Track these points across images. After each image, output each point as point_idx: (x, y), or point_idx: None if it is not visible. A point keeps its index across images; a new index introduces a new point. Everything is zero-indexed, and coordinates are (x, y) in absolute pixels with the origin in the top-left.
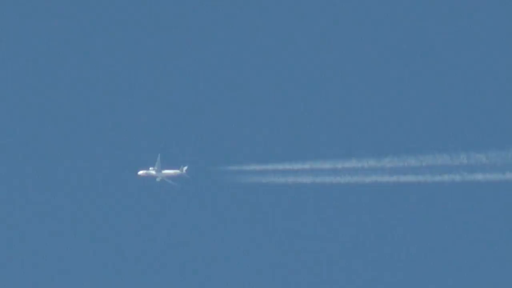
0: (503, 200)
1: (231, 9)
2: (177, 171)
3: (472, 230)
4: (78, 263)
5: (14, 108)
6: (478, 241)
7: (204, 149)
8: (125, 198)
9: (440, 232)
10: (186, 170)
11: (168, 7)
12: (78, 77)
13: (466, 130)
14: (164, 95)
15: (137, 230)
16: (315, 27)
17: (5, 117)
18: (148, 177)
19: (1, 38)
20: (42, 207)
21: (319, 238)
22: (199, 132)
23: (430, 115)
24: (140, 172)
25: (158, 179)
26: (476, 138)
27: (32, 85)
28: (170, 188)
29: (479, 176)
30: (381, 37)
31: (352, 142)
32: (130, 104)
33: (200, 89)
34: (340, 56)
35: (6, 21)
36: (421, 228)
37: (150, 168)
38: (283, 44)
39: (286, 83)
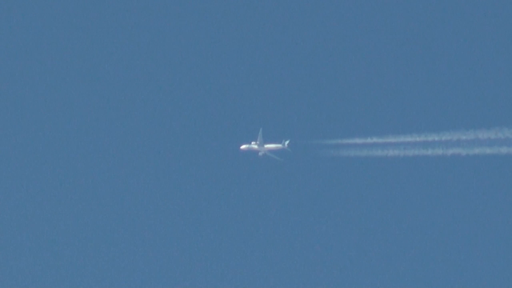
0: None
1: None
2: (279, 145)
3: None
4: (180, 230)
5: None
6: None
7: (304, 123)
8: (228, 172)
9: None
10: (288, 144)
11: None
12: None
13: None
14: (265, 71)
15: (239, 203)
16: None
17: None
18: (251, 151)
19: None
20: (139, 175)
21: (418, 211)
22: (300, 106)
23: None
24: (243, 147)
25: (260, 153)
26: None
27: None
28: (273, 162)
29: None
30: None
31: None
32: (232, 79)
33: (297, 64)
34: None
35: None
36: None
37: (252, 143)
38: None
39: (380, 58)
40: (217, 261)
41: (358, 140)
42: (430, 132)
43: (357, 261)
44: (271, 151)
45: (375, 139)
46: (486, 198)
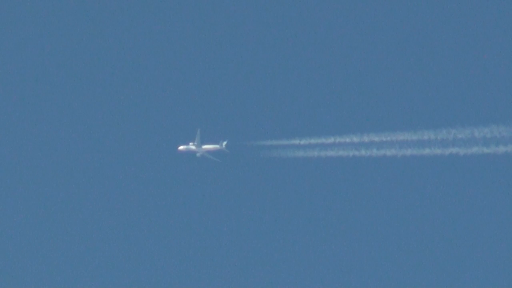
0: None
1: None
2: (216, 146)
3: None
4: (117, 235)
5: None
6: None
7: (242, 124)
8: (166, 173)
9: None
10: (225, 145)
11: None
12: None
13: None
14: (202, 72)
15: (177, 204)
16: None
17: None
18: (188, 152)
19: None
20: (81, 183)
21: (358, 210)
22: (238, 107)
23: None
24: (180, 147)
25: (198, 154)
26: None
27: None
28: (210, 163)
29: None
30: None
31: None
32: (170, 80)
33: (233, 65)
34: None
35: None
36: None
37: (190, 143)
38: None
39: (318, 59)
40: (154, 260)
41: (294, 141)
42: (368, 132)
43: (293, 261)
44: (209, 151)
45: (311, 140)
46: (435, 199)
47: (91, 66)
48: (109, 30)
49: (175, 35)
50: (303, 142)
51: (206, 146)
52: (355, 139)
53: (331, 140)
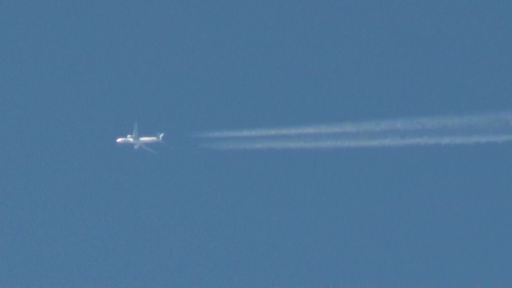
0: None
1: None
2: (153, 138)
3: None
4: (58, 230)
5: None
6: None
7: (180, 116)
8: (104, 165)
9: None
10: (162, 137)
11: None
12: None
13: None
14: (138, 67)
15: (118, 195)
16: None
17: None
18: (127, 144)
19: None
20: (22, 180)
21: (300, 203)
22: (176, 99)
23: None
24: (119, 140)
25: (136, 146)
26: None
27: None
28: (147, 155)
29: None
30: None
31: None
32: (106, 74)
33: (169, 57)
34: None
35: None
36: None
37: (128, 136)
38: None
39: (259, 47)
40: (91, 259)
41: (232, 133)
42: (312, 124)
43: (232, 258)
44: (147, 144)
45: (248, 132)
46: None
47: (28, 59)
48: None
49: (112, 29)
50: (246, 133)
51: (144, 139)
52: (297, 131)
53: (272, 132)
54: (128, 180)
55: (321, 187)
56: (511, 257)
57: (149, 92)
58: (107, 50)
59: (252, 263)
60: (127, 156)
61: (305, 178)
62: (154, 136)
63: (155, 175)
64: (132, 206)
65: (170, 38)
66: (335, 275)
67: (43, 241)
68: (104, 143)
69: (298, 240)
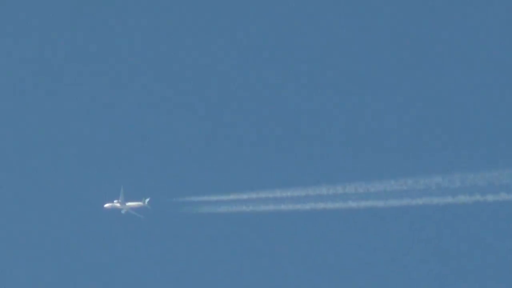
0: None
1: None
2: (140, 203)
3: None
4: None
5: None
6: None
7: (164, 181)
8: (94, 230)
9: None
10: (148, 202)
11: None
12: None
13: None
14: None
15: (108, 258)
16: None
17: None
18: (114, 209)
19: None
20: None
21: (285, 264)
22: (160, 165)
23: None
24: (106, 205)
25: (123, 211)
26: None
27: None
28: (134, 219)
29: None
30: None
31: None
32: (91, 140)
33: (151, 119)
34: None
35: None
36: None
37: (115, 201)
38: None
39: (242, 110)
40: None
41: (219, 197)
42: (295, 186)
43: None
44: (133, 208)
45: (233, 196)
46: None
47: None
48: None
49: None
50: (226, 197)
51: (130, 203)
52: (279, 194)
53: (255, 195)
54: (116, 243)
55: (307, 249)
56: None
57: (134, 158)
58: (97, 111)
59: None
60: (115, 221)
61: (290, 240)
62: (140, 201)
63: (142, 239)
64: (121, 268)
65: (150, 101)
66: None
67: None
68: (93, 209)
69: None
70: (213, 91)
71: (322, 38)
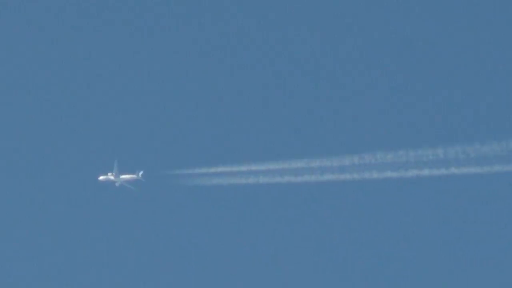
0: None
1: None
2: (133, 176)
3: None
4: (42, 266)
5: None
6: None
7: (158, 153)
8: (88, 202)
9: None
10: (141, 175)
11: None
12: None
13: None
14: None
15: (101, 231)
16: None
17: None
18: (108, 182)
19: None
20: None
21: (279, 239)
22: (154, 136)
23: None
24: (101, 178)
25: (117, 184)
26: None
27: None
28: (128, 192)
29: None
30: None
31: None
32: (88, 113)
33: (147, 94)
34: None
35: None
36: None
37: (109, 174)
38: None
39: (237, 81)
40: None
41: (213, 169)
42: (294, 158)
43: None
44: (127, 181)
45: (227, 168)
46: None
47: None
48: None
49: (94, 65)
50: (224, 169)
51: (124, 176)
52: (273, 166)
53: (252, 167)
54: (110, 215)
55: (306, 221)
56: None
57: (129, 130)
58: (91, 87)
59: None
60: (109, 193)
61: (282, 213)
62: (134, 174)
63: (136, 211)
64: (116, 242)
65: (152, 74)
66: None
67: (24, 279)
68: (87, 181)
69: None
70: (208, 61)
71: None
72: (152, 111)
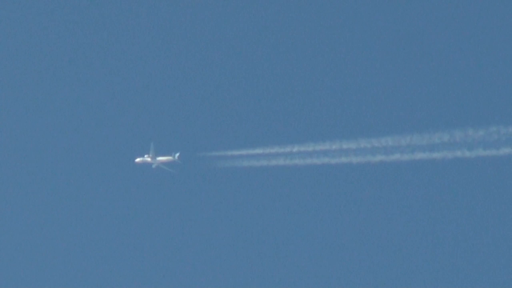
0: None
1: None
2: (170, 158)
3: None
4: (77, 249)
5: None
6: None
7: (195, 135)
8: (125, 183)
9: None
10: (178, 157)
11: None
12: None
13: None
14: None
15: (138, 213)
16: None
17: None
18: (145, 164)
19: None
20: (37, 198)
21: (311, 221)
22: (191, 118)
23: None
24: (137, 160)
25: (153, 166)
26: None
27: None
28: (165, 173)
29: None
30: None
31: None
32: (123, 96)
33: (183, 78)
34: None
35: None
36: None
37: (145, 156)
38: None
39: (269, 69)
40: (110, 273)
41: (250, 151)
42: (326, 140)
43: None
44: (163, 163)
45: (264, 150)
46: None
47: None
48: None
49: (122, 46)
50: (257, 151)
51: (160, 158)
52: (314, 147)
53: (288, 149)
54: (147, 198)
55: (345, 203)
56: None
57: (165, 112)
58: (125, 72)
59: (263, 279)
60: (145, 175)
61: (323, 195)
62: (171, 155)
63: (173, 193)
64: (153, 224)
65: (183, 57)
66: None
67: (56, 262)
68: (124, 163)
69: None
70: (244, 44)
71: None
72: (188, 93)
